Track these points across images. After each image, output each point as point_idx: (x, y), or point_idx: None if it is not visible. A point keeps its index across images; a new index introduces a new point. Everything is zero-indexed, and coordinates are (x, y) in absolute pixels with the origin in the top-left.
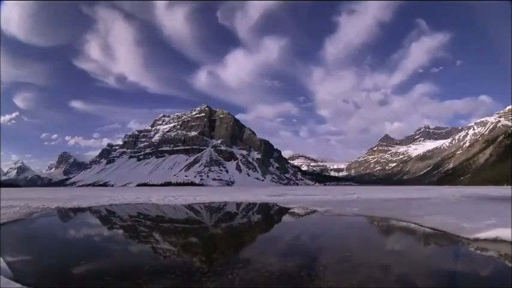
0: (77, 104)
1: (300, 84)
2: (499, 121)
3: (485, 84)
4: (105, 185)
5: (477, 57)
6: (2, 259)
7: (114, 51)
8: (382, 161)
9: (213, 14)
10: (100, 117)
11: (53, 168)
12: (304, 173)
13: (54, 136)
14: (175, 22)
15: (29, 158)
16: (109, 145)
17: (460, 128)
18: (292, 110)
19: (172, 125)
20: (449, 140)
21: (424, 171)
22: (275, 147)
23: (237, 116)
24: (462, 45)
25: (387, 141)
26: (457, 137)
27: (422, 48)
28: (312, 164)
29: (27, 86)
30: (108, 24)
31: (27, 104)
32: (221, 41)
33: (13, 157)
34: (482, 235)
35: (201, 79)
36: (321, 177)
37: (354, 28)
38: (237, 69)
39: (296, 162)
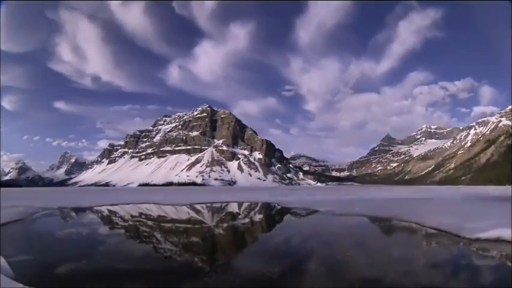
0: (60, 105)
1: (280, 76)
2: (500, 121)
3: (485, 72)
4: (106, 185)
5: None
6: (3, 259)
7: (85, 52)
8: (383, 161)
9: (169, 5)
10: (83, 117)
11: (55, 169)
12: (305, 173)
13: (36, 138)
14: (133, 19)
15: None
16: (110, 145)
17: (461, 128)
18: (277, 106)
19: (173, 125)
20: (450, 139)
21: (426, 171)
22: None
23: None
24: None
25: (388, 141)
26: (458, 137)
27: (410, 28)
28: (314, 164)
29: (12, 90)
30: (74, 26)
31: (13, 106)
32: (183, 33)
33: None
34: (483, 235)
35: (173, 74)
36: (322, 177)
37: (323, 6)
38: (208, 62)
39: (298, 162)
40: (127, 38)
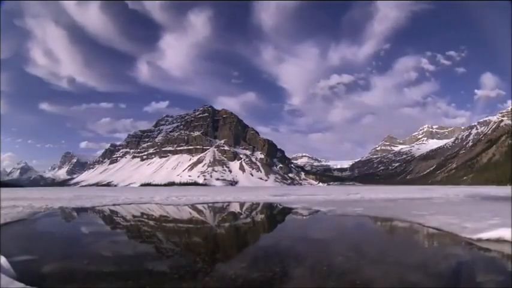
0: (45, 107)
1: (253, 67)
2: (502, 120)
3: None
4: (108, 185)
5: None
6: (5, 259)
7: (57, 55)
8: (385, 160)
9: (121, 1)
10: (67, 118)
11: (56, 169)
12: (307, 172)
13: (19, 140)
14: (92, 19)
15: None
16: (112, 145)
17: (463, 127)
18: (257, 101)
19: (175, 125)
20: (452, 139)
21: (427, 170)
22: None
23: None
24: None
25: (390, 140)
26: (460, 137)
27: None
28: (316, 163)
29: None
30: (41, 31)
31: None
32: (143, 28)
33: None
34: (485, 235)
35: (143, 71)
36: (324, 176)
37: None
38: (174, 55)
39: (299, 162)
40: (91, 38)
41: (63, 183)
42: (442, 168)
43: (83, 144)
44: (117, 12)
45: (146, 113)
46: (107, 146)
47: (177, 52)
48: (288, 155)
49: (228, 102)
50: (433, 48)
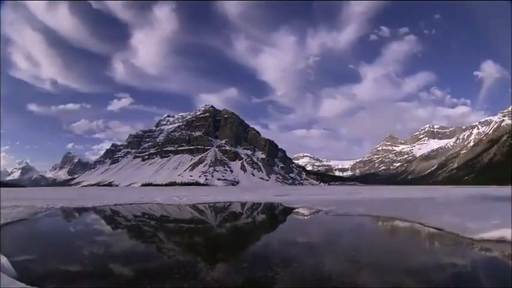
0: (34, 108)
1: (228, 59)
2: (503, 120)
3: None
4: (109, 185)
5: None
6: (5, 258)
7: (37, 58)
8: (386, 160)
9: (85, 2)
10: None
11: (57, 169)
12: (309, 172)
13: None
14: (61, 21)
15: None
16: (113, 145)
17: (464, 127)
18: (240, 97)
19: (176, 125)
20: (453, 139)
21: (429, 170)
22: None
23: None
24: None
25: (391, 140)
26: (461, 137)
27: None
28: (317, 163)
29: None
30: (19, 35)
31: None
32: (111, 27)
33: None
34: (486, 235)
35: (119, 71)
36: (325, 177)
37: None
38: (146, 52)
39: (301, 162)
40: (66, 41)
41: (64, 183)
42: (443, 168)
43: (70, 145)
44: (84, 13)
45: (112, 112)
46: (92, 147)
47: (149, 49)
48: (288, 154)
49: (210, 99)
50: (426, 33)
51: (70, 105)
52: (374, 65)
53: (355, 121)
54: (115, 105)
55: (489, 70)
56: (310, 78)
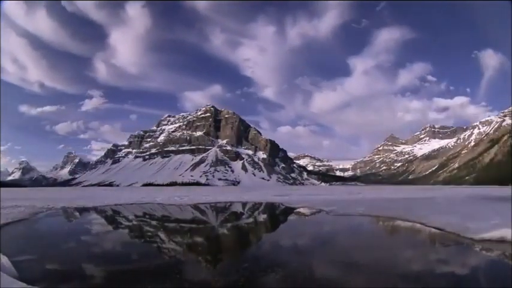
0: (24, 109)
1: (207, 55)
2: (504, 120)
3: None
4: (110, 185)
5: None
6: (6, 258)
7: (22, 62)
8: (387, 160)
9: (59, 4)
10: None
11: (58, 169)
12: (309, 172)
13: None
14: (41, 24)
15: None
16: (114, 145)
17: (464, 127)
18: (225, 94)
19: (177, 125)
20: (454, 139)
21: (430, 170)
22: None
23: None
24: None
25: (392, 140)
26: (462, 136)
27: None
28: (318, 163)
29: None
30: (4, 40)
31: None
32: (87, 27)
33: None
34: (487, 235)
35: (101, 71)
36: (326, 177)
37: None
38: (125, 51)
39: (302, 162)
40: (48, 43)
41: (65, 183)
42: (444, 168)
43: (60, 147)
44: (61, 16)
45: (82, 112)
46: (83, 148)
47: (127, 48)
48: (289, 154)
49: (195, 97)
50: (418, 19)
51: (53, 107)
52: (363, 56)
53: (349, 118)
54: (89, 105)
55: (489, 60)
56: (296, 72)
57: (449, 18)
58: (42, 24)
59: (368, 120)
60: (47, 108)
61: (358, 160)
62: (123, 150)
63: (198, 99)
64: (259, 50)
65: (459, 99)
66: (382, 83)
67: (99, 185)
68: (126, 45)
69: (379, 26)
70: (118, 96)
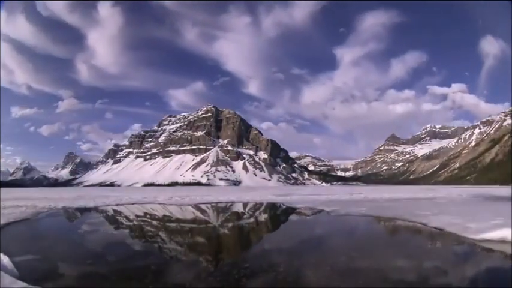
0: (15, 111)
1: (185, 52)
2: (505, 120)
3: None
4: (111, 185)
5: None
6: (7, 258)
7: (9, 66)
8: (388, 160)
9: (33, 6)
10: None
11: (59, 169)
12: (311, 172)
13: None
14: (21, 30)
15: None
16: (115, 145)
17: (465, 127)
18: (209, 91)
19: (178, 125)
20: (455, 139)
21: (431, 170)
22: None
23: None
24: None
25: (393, 140)
26: (463, 136)
27: None
28: (319, 163)
29: None
30: None
31: None
32: (63, 29)
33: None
34: (488, 235)
35: (83, 72)
36: (327, 176)
37: None
38: (103, 52)
39: (303, 162)
40: (30, 48)
41: (66, 183)
42: (445, 168)
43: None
44: (38, 21)
45: (65, 113)
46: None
47: (104, 48)
48: (291, 154)
49: (179, 95)
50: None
51: (38, 109)
52: (348, 44)
53: (339, 113)
54: (71, 106)
55: (490, 47)
56: (278, 65)
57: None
58: (23, 29)
59: (360, 115)
60: (31, 110)
61: (359, 160)
62: (124, 150)
63: (182, 96)
64: (236, 43)
65: (457, 87)
66: (374, 74)
67: (100, 185)
68: (104, 46)
69: (362, 9)
70: (102, 97)
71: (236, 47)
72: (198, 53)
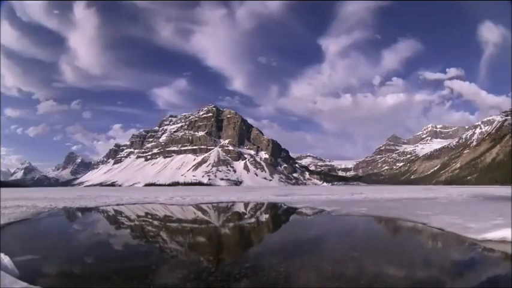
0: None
1: (163, 49)
2: (506, 120)
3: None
4: (112, 185)
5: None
6: (8, 258)
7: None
8: (389, 160)
9: (13, 13)
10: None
11: (60, 169)
12: (312, 172)
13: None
14: (5, 36)
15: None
16: (116, 145)
17: (466, 127)
18: (193, 88)
19: (179, 125)
20: (456, 139)
21: (431, 170)
22: None
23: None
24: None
25: (394, 140)
26: (464, 136)
27: None
28: (320, 163)
29: None
30: None
31: None
32: (44, 33)
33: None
34: (488, 235)
35: (67, 74)
36: (328, 176)
37: None
38: (85, 53)
39: (304, 162)
40: (17, 52)
41: (67, 183)
42: (446, 168)
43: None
44: (19, 26)
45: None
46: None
47: (84, 49)
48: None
49: (163, 93)
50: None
51: (22, 111)
52: (332, 33)
53: (329, 108)
54: (43, 108)
55: (489, 33)
56: (260, 59)
57: None
58: (7, 34)
59: (350, 109)
60: (20, 111)
61: (361, 160)
62: (125, 150)
63: (167, 95)
64: (213, 36)
65: (453, 72)
66: (364, 66)
67: (101, 185)
68: (84, 47)
69: None
70: (87, 97)
71: (214, 41)
72: (177, 49)
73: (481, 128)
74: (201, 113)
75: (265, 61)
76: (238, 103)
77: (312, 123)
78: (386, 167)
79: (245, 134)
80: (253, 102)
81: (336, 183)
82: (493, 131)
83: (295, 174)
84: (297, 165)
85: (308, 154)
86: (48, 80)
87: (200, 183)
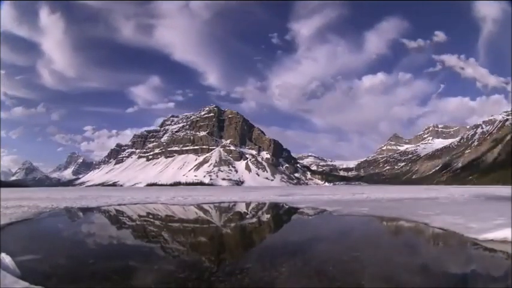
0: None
1: (128, 46)
2: (507, 119)
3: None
4: (114, 185)
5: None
6: (9, 258)
7: None
8: (391, 160)
9: None
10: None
11: (62, 169)
12: (313, 172)
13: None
14: None
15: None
16: (118, 145)
17: (468, 126)
18: (166, 85)
19: (181, 125)
20: (457, 138)
21: (433, 170)
22: None
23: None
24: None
25: (396, 140)
26: (465, 136)
27: None
28: (322, 163)
29: None
30: None
31: None
32: (18, 40)
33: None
34: (490, 235)
35: (45, 77)
36: (330, 176)
37: None
38: (58, 56)
39: (305, 162)
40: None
41: (69, 183)
42: (447, 168)
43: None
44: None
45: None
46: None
47: (57, 52)
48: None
49: (140, 91)
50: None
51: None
52: (300, 14)
53: (320, 105)
54: (17, 112)
55: (487, 10)
56: (231, 51)
57: None
58: None
59: (346, 109)
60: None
61: (362, 160)
62: (127, 150)
63: (144, 93)
64: (175, 29)
65: (451, 58)
66: (346, 54)
67: (102, 185)
68: (56, 50)
69: None
70: (67, 100)
71: (177, 34)
72: (142, 46)
73: (482, 128)
74: (203, 113)
75: (234, 52)
76: (215, 98)
77: (301, 120)
78: (387, 167)
79: (247, 134)
80: (232, 98)
81: (337, 183)
82: (495, 130)
83: (296, 174)
84: (298, 165)
85: (309, 154)
86: (33, 85)
87: (202, 183)
